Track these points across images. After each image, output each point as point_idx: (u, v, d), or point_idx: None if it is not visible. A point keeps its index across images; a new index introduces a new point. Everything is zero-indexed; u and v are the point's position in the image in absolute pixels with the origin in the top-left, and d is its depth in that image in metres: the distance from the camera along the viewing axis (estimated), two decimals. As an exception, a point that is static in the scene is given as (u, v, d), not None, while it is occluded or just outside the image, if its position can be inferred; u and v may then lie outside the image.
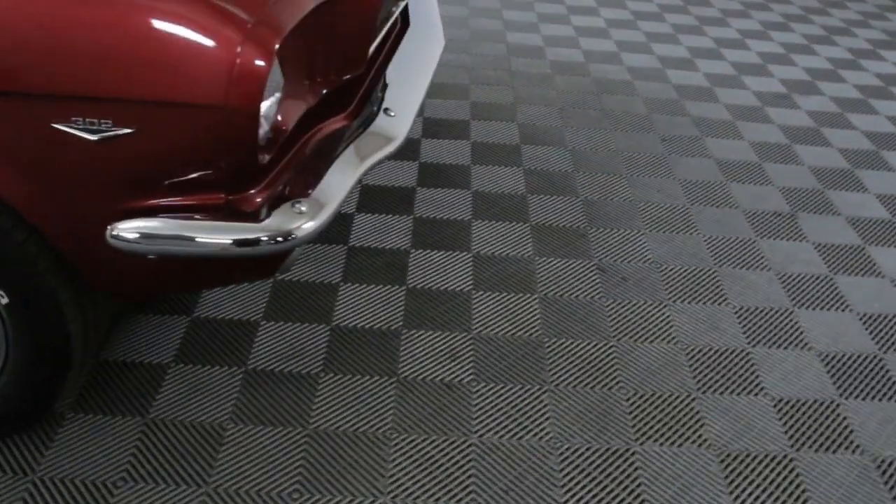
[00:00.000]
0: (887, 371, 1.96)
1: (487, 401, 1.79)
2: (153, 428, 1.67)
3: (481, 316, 2.03)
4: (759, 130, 3.14)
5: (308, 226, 1.36)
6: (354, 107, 1.62)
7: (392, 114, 1.72)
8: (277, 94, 1.34)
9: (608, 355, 1.94)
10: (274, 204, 1.40)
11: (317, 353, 1.88)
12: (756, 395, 1.86)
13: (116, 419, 1.68)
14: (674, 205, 2.58)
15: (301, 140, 1.49)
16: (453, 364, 1.88)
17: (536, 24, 4.04)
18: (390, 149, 1.63)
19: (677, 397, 1.84)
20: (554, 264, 2.25)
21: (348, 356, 1.88)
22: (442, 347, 1.93)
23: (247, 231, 1.31)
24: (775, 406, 1.83)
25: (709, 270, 2.28)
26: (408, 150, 2.78)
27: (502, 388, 1.83)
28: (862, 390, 1.90)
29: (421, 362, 1.88)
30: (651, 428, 1.75)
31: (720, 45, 3.98)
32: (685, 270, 2.27)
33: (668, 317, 2.08)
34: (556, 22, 4.10)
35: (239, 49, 1.18)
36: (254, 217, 1.34)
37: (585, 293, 2.14)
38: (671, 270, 2.26)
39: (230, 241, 1.30)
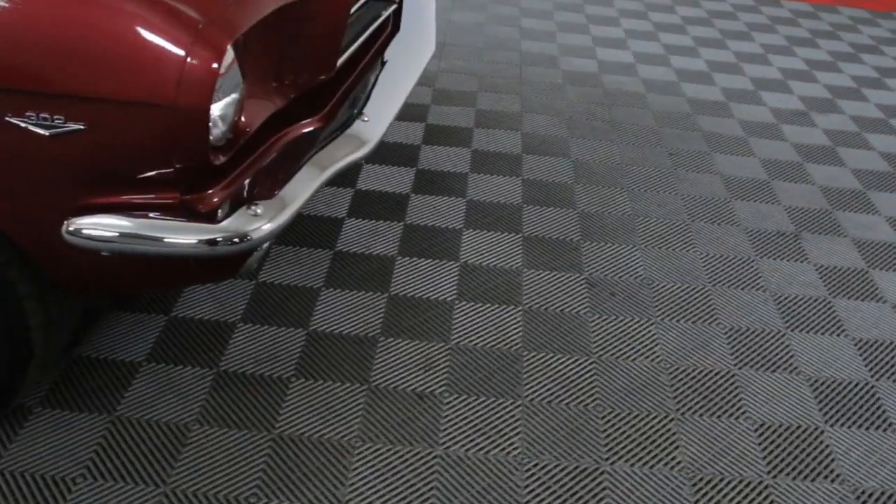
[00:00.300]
0: (878, 399, 1.90)
1: (458, 413, 1.76)
2: (118, 425, 1.66)
3: (462, 326, 2.00)
4: (772, 148, 3.07)
5: (263, 228, 1.35)
6: (329, 110, 1.60)
7: (366, 119, 1.71)
8: (234, 95, 1.33)
9: (588, 371, 1.90)
10: (234, 205, 1.39)
11: (290, 358, 1.87)
12: (737, 418, 1.81)
13: (83, 415, 1.68)
14: (674, 221, 2.53)
15: (268, 142, 1.47)
16: (427, 374, 1.85)
17: (554, 34, 4.01)
18: (360, 154, 1.62)
19: (654, 417, 1.79)
20: (542, 277, 2.21)
21: (321, 362, 1.86)
22: (417, 357, 1.90)
23: (198, 231, 1.30)
24: (756, 430, 1.78)
25: (702, 289, 2.23)
26: (406, 156, 2.76)
27: (474, 400, 1.80)
28: (849, 418, 1.84)
29: (394, 371, 1.86)
30: (623, 448, 1.71)
31: (741, 60, 3.91)
32: (677, 288, 2.22)
33: (654, 335, 2.04)
34: (574, 31, 4.06)
35: (189, 49, 1.17)
36: (210, 217, 1.33)
37: (571, 307, 2.11)
38: (663, 287, 2.22)
39: (180, 241, 1.30)
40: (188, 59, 1.17)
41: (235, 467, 1.60)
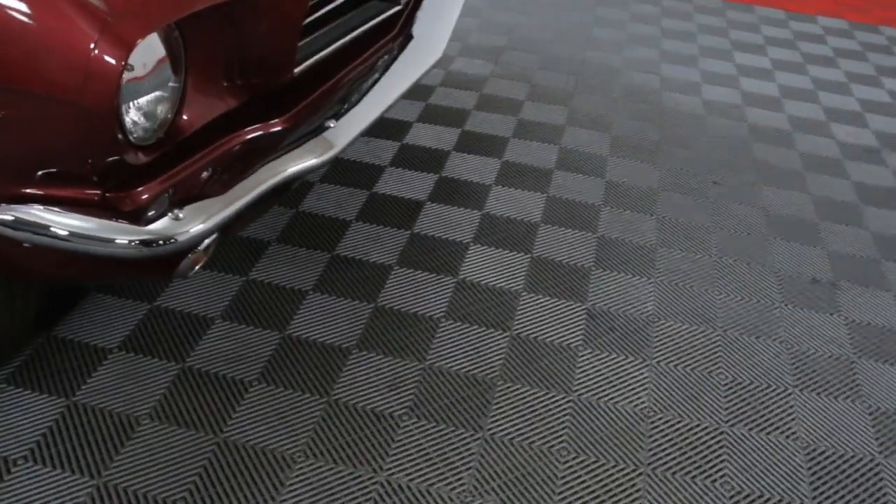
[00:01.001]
0: (881, 479, 1.73)
1: (412, 438, 1.69)
2: (72, 411, 1.67)
3: (441, 346, 1.93)
4: (829, 185, 2.86)
5: (181, 233, 1.31)
6: (294, 114, 1.55)
7: (331, 125, 1.65)
8: (159, 93, 1.29)
9: (562, 409, 1.80)
10: (178, 204, 1.36)
11: (258, 361, 1.84)
12: (714, 481, 1.68)
13: (42, 396, 1.69)
14: (699, 255, 2.39)
15: (216, 142, 1.43)
16: (392, 394, 1.79)
17: (622, 45, 3.86)
18: (313, 163, 1.56)
19: (622, 469, 1.68)
20: (540, 302, 2.11)
21: (287, 368, 1.83)
22: (387, 374, 1.84)
23: (110, 231, 1.28)
24: (731, 498, 1.65)
25: (710, 334, 2.08)
26: (432, 161, 2.70)
27: (433, 427, 1.72)
28: (844, 498, 1.68)
29: (359, 386, 1.80)
30: (579, 499, 1.61)
31: (818, 87, 3.67)
32: (684, 330, 2.08)
33: (645, 378, 1.91)
34: (644, 44, 3.90)
35: (94, 44, 1.14)
36: (133, 217, 1.30)
37: (563, 338, 2.00)
38: (669, 328, 2.08)
39: (85, 236, 1.27)
40: (94, 54, 1.14)
41: (173, 468, 1.58)
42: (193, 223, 1.33)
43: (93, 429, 1.64)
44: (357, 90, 1.83)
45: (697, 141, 3.05)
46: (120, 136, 1.24)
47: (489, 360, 1.91)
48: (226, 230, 1.56)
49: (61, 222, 1.27)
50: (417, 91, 3.18)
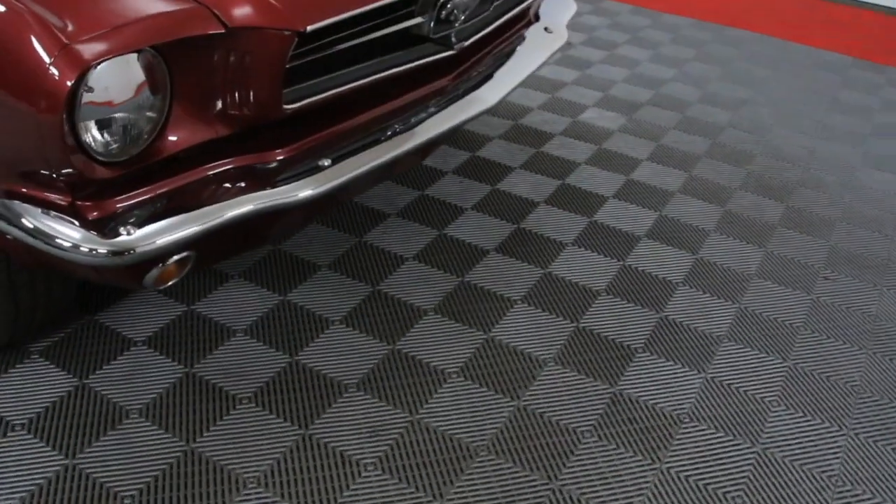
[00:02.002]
0: None
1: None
2: (78, 392, 1.81)
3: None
4: None
5: (125, 250, 1.38)
6: (293, 148, 1.60)
7: (325, 164, 1.65)
8: (128, 115, 1.39)
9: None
10: (153, 219, 1.44)
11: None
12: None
13: (61, 373, 1.85)
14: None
15: (201, 166, 1.52)
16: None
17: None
18: (285, 201, 1.57)
19: (798, 529, 1.66)
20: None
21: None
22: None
23: (62, 235, 1.37)
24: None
25: (921, 416, 1.98)
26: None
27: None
28: None
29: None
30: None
31: None
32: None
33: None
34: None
35: (49, 64, 1.25)
36: (97, 226, 1.40)
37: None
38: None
39: (33, 238, 1.39)
40: (48, 73, 1.24)
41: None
42: (138, 243, 1.40)
43: (86, 412, 1.78)
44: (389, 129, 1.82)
45: (943, 218, 2.86)
46: (77, 150, 1.34)
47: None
48: (202, 255, 1.58)
49: (29, 219, 1.39)
50: (528, 136, 3.23)
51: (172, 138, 1.48)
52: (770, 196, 2.87)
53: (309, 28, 1.47)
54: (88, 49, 1.26)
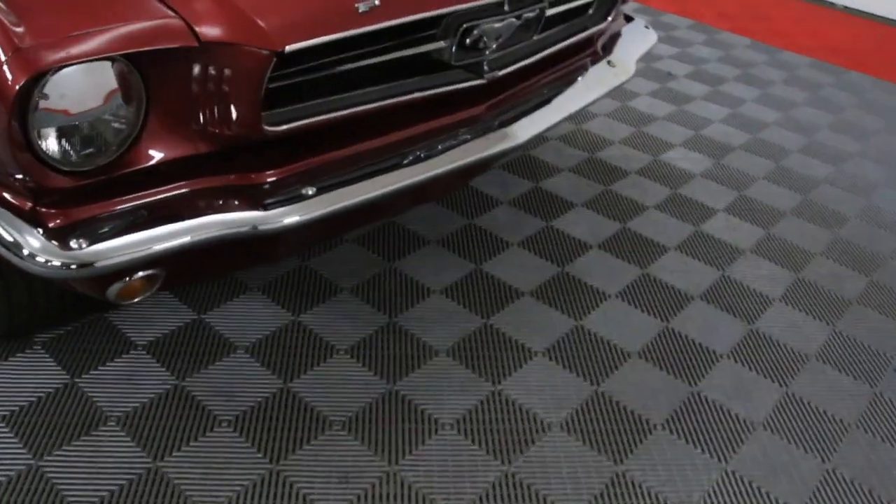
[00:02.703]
0: None
1: None
2: (66, 390, 1.81)
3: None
4: None
5: (64, 262, 1.33)
6: (282, 171, 1.53)
7: (309, 192, 1.54)
8: (84, 123, 1.34)
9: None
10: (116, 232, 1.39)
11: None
12: None
13: (55, 368, 1.86)
14: None
15: (176, 181, 1.46)
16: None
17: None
18: (240, 229, 1.48)
19: None
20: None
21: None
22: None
23: (11, 241, 1.34)
24: None
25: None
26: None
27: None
28: None
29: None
30: None
31: None
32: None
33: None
34: None
35: (0, 64, 1.22)
36: (57, 234, 1.35)
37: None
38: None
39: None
40: (1, 75, 1.22)
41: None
42: (86, 257, 1.34)
43: (66, 413, 1.76)
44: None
45: None
46: (31, 156, 1.30)
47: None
48: (173, 274, 1.53)
49: None
50: (600, 171, 3.00)
51: (147, 151, 1.43)
52: (854, 267, 2.59)
53: (288, 49, 1.39)
54: (43, 54, 1.23)
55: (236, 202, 1.49)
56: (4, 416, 1.74)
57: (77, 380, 1.84)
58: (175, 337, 1.99)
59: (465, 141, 1.79)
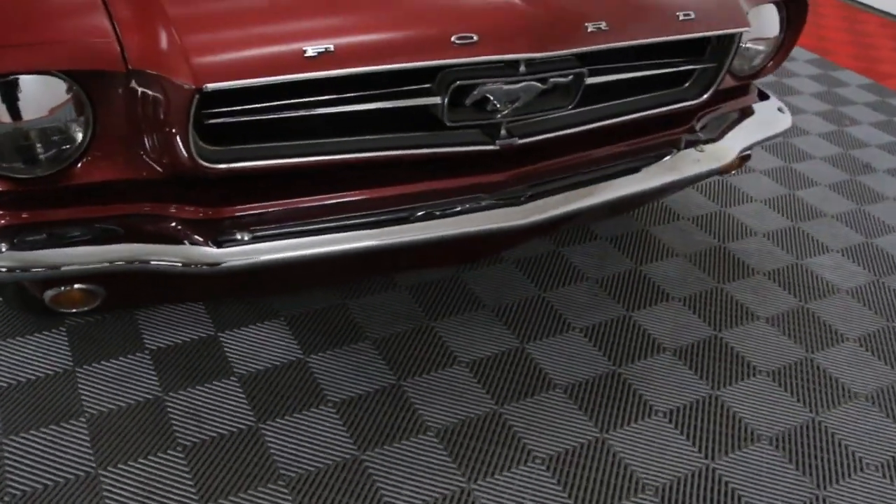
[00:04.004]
0: None
1: None
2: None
3: None
4: None
5: None
6: (227, 211, 1.48)
7: (245, 238, 1.46)
8: (25, 129, 1.35)
9: None
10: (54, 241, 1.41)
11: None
12: None
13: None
14: None
15: (111, 202, 1.45)
16: None
17: None
18: (166, 266, 1.44)
19: None
20: None
21: None
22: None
23: None
24: None
25: None
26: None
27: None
28: None
29: None
30: None
31: None
32: None
33: None
34: None
35: None
36: None
37: None
38: None
39: None
40: None
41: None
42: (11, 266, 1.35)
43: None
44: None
45: None
46: None
47: None
48: (111, 294, 1.53)
49: None
50: (721, 265, 2.54)
51: (92, 168, 1.44)
52: None
53: (209, 87, 1.33)
54: None
55: (171, 235, 1.46)
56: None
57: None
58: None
59: (481, 209, 1.64)
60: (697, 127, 2.02)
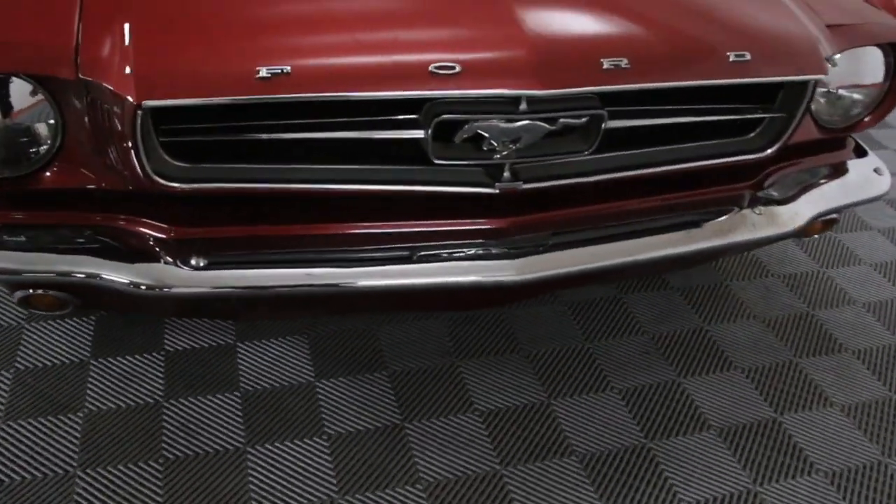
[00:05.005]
0: None
1: None
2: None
3: None
4: None
5: None
6: (175, 232, 1.42)
7: (199, 263, 1.42)
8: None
9: None
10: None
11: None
12: None
13: None
14: None
15: (77, 209, 1.43)
16: None
17: None
18: (119, 285, 1.39)
19: None
20: None
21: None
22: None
23: None
24: None
25: None
26: None
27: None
28: None
29: None
30: None
31: None
32: None
33: None
34: None
35: None
36: None
37: None
38: None
39: None
40: None
41: None
42: None
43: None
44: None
45: None
46: None
47: None
48: (87, 300, 1.52)
49: None
50: (805, 337, 2.19)
51: (60, 174, 1.42)
52: None
53: (148, 104, 1.27)
54: None
55: (134, 250, 1.43)
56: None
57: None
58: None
59: (450, 258, 1.50)
60: (766, 184, 1.77)
